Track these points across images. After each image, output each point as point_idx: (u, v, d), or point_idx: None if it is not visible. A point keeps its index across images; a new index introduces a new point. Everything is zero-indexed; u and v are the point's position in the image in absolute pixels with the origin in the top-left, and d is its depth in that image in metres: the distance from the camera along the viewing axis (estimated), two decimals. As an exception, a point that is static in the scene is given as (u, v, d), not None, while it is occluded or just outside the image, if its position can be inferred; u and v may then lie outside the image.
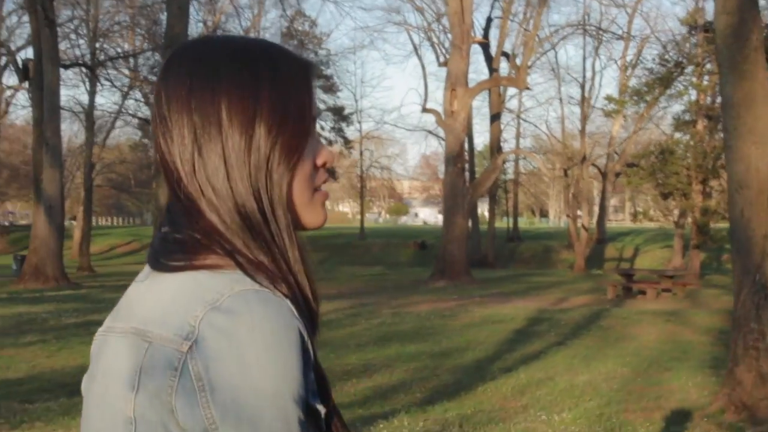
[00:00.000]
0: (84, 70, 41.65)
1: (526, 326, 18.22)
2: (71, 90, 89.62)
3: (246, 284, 1.29)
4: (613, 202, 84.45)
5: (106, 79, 41.67)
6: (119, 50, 44.40)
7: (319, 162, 1.46)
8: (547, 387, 11.24)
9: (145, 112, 43.82)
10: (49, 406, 9.89)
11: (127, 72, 43.34)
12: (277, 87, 1.40)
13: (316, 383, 1.34)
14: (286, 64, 1.43)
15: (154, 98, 1.42)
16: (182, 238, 1.36)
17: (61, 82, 31.65)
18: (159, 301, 1.32)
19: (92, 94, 42.51)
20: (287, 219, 1.40)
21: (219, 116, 1.36)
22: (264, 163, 1.38)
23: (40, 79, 29.63)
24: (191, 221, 1.38)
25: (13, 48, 45.91)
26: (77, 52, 42.77)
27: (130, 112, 46.79)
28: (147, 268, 1.40)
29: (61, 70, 32.78)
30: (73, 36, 42.81)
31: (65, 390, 10.68)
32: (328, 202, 1.52)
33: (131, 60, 43.81)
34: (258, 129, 1.37)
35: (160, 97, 1.41)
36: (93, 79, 41.30)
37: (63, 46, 42.70)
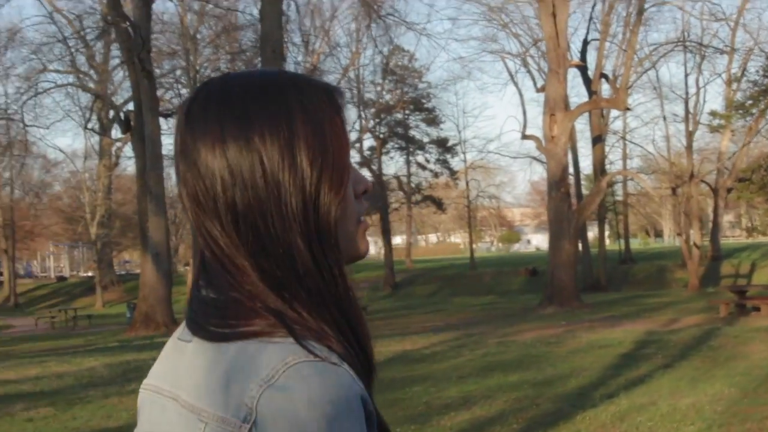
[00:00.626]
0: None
1: (634, 350, 17.82)
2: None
3: (300, 355, 1.20)
4: (729, 218, 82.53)
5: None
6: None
7: (360, 190, 1.40)
8: (649, 412, 10.93)
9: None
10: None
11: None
12: (310, 116, 1.32)
13: None
14: (313, 92, 1.35)
15: (180, 148, 1.33)
16: (223, 301, 1.29)
17: (165, 131, 32.38)
18: (210, 376, 1.25)
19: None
20: (340, 263, 1.32)
21: (268, 152, 1.28)
22: (311, 203, 1.29)
23: (141, 130, 30.37)
24: (231, 280, 1.29)
25: (118, 102, 47.22)
26: (178, 102, 43.77)
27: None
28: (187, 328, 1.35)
29: (164, 119, 33.53)
30: (175, 86, 43.88)
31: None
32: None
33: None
34: (300, 165, 1.29)
35: (186, 146, 1.31)
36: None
37: (168, 95, 43.86)
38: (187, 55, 43.02)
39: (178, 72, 44.17)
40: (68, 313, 38.26)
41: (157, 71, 41.57)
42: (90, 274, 65.95)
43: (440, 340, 21.80)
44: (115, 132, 51.71)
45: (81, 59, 46.41)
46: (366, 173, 58.64)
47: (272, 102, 1.31)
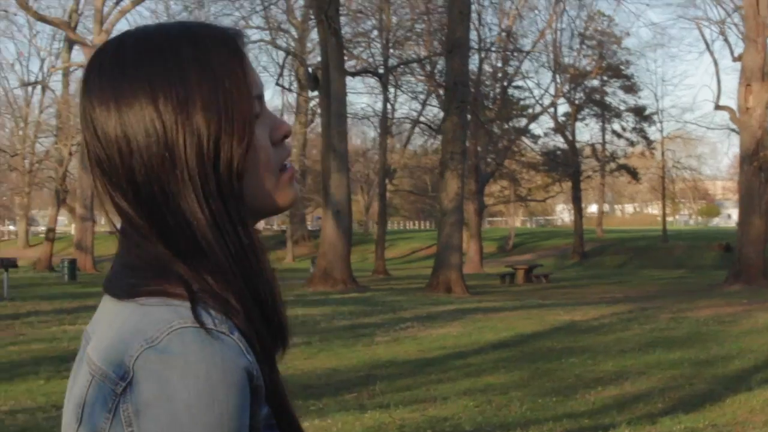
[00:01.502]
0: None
1: (813, 333, 16.91)
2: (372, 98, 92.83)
3: (187, 320, 1.18)
4: None
5: (395, 86, 42.78)
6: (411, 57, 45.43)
7: (278, 137, 1.35)
8: (806, 401, 10.31)
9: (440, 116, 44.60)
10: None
11: (412, 79, 44.31)
12: (206, 68, 1.26)
13: (275, 416, 1.29)
14: (210, 41, 1.29)
15: (81, 115, 1.30)
16: (133, 262, 1.28)
17: (350, 90, 32.77)
18: (107, 331, 1.25)
19: (385, 101, 43.78)
20: (244, 223, 1.29)
21: (152, 124, 1.24)
22: (209, 161, 1.25)
23: (328, 87, 30.77)
24: (143, 242, 1.27)
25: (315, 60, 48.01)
26: (372, 60, 44.31)
27: (427, 118, 47.78)
28: None
29: (351, 78, 33.90)
30: (369, 46, 44.33)
31: (306, 392, 10.91)
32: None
33: (427, 66, 44.69)
34: (196, 121, 1.24)
35: (86, 112, 1.28)
36: (384, 87, 42.54)
37: (365, 55, 44.37)
38: (380, 14, 43.30)
39: (374, 32, 44.54)
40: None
41: (349, 30, 42.18)
42: (283, 228, 67.68)
43: (612, 312, 21.31)
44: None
45: (281, 18, 47.35)
46: (559, 139, 57.82)
47: (165, 58, 1.26)
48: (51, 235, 49.69)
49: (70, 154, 47.93)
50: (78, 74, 46.14)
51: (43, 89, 56.46)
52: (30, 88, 58.39)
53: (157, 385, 1.14)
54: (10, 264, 25.57)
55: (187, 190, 1.24)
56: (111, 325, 1.25)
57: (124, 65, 1.26)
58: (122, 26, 50.53)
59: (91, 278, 37.89)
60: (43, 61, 61.27)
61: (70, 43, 48.95)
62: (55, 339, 15.93)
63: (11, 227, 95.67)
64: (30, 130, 56.63)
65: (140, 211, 1.26)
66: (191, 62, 1.26)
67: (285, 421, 1.31)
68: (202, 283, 1.23)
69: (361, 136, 68.69)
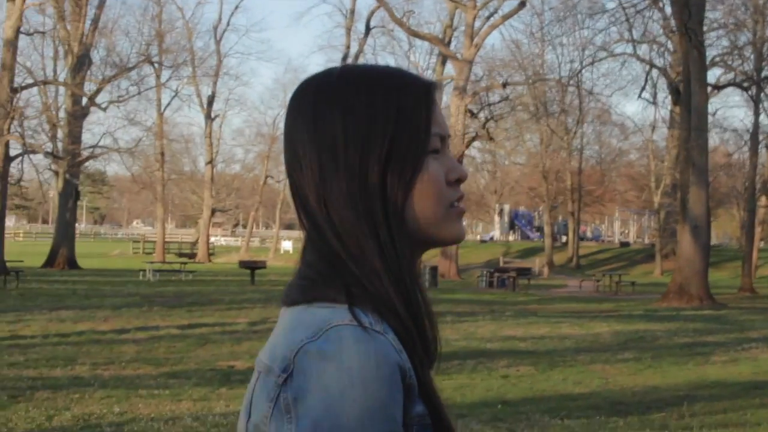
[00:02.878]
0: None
1: None
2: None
3: (344, 318, 1.32)
4: None
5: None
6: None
7: (452, 178, 1.47)
8: None
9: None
10: (584, 423, 9.99)
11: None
12: (392, 109, 1.43)
13: (430, 417, 1.37)
14: (403, 86, 1.46)
15: (285, 131, 1.50)
16: (308, 273, 1.43)
17: (713, 102, 31.67)
18: (276, 334, 1.41)
19: (756, 114, 41.68)
20: (401, 244, 1.42)
21: (336, 143, 1.41)
22: (379, 186, 1.41)
23: (688, 100, 29.98)
24: (317, 254, 1.44)
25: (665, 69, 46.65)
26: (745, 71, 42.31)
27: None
28: None
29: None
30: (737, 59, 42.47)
31: (613, 409, 10.73)
32: None
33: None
34: (373, 152, 1.41)
35: (288, 129, 1.48)
36: (756, 100, 40.57)
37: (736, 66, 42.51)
38: (754, 27, 41.30)
39: (741, 44, 42.55)
40: (612, 278, 38.83)
41: (711, 42, 40.57)
42: (652, 241, 66.13)
43: None
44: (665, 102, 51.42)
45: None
46: None
47: (359, 94, 1.44)
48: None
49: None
50: (449, 87, 47.63)
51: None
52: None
53: (315, 376, 1.27)
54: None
55: (356, 198, 1.40)
56: (280, 328, 1.40)
57: (326, 93, 1.45)
58: (492, 40, 51.67)
59: (452, 285, 39.04)
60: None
61: (444, 58, 50.61)
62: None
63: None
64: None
65: (319, 213, 1.43)
66: (381, 99, 1.43)
67: (440, 425, 1.38)
68: (362, 289, 1.36)
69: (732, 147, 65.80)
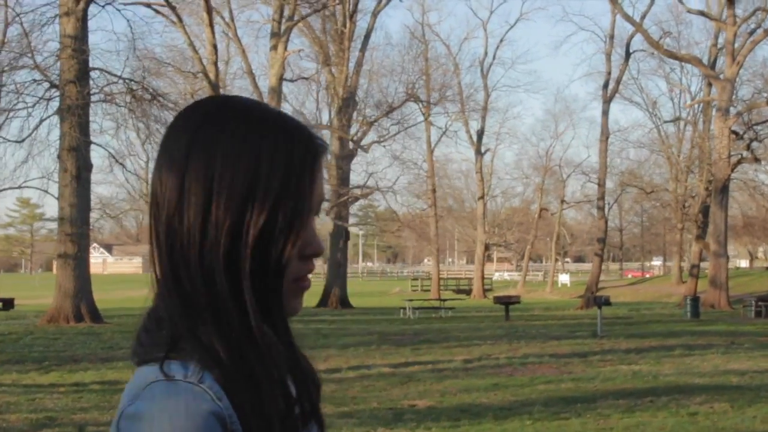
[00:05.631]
0: None
1: None
2: None
3: (160, 375, 1.31)
4: None
5: None
6: None
7: (308, 252, 1.44)
8: None
9: None
10: None
11: None
12: (278, 166, 1.38)
13: None
14: (292, 142, 1.40)
15: (157, 156, 1.44)
16: (142, 328, 1.42)
17: None
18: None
19: None
20: (249, 294, 1.37)
21: (210, 186, 1.36)
22: (251, 241, 1.36)
23: None
24: (158, 299, 1.41)
25: None
26: None
27: None
28: None
29: None
30: None
31: None
32: None
33: None
34: (249, 207, 1.36)
35: (160, 155, 1.42)
36: None
37: None
38: None
39: None
40: None
41: None
42: None
43: None
44: None
45: None
46: None
47: (245, 140, 1.38)
48: (695, 272, 49.50)
49: (707, 189, 47.54)
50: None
51: (684, 125, 56.89)
52: (681, 125, 59.26)
53: None
54: (604, 302, 26.17)
55: (217, 247, 1.36)
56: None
57: (204, 131, 1.39)
58: (756, 59, 49.32)
59: (719, 315, 37.07)
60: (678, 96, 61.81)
61: (708, 78, 48.75)
62: (599, 379, 16.05)
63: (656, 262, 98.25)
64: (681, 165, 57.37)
65: (173, 256, 1.38)
66: (266, 155, 1.38)
67: None
68: (196, 342, 1.34)
69: None
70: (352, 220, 57.14)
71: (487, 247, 68.04)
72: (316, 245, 1.43)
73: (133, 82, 31.30)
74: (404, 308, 38.31)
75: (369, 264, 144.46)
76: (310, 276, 1.46)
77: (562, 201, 69.74)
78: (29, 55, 31.46)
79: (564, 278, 76.85)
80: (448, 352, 21.04)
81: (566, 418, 12.23)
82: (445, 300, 42.56)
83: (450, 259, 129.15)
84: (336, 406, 13.34)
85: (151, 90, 31.71)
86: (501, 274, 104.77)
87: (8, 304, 29.89)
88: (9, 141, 33.12)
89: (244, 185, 1.34)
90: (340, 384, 15.79)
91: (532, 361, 18.98)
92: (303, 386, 1.43)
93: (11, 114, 31.90)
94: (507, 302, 36.19)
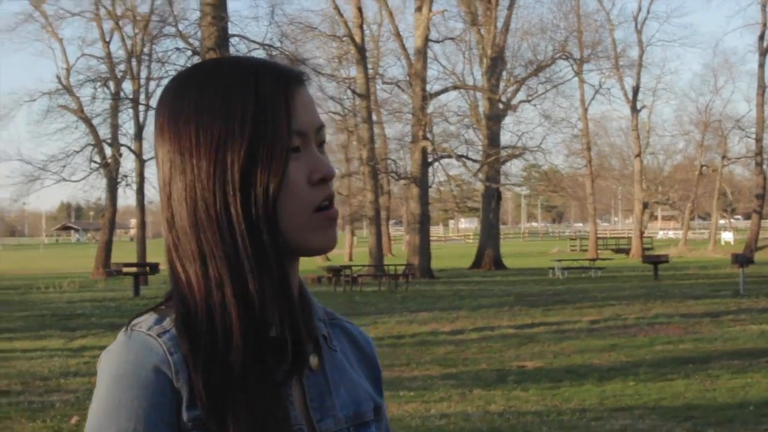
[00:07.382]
0: None
1: None
2: None
3: (128, 325, 1.37)
4: None
5: None
6: None
7: (314, 178, 1.38)
8: None
9: None
10: None
11: None
12: (249, 105, 1.35)
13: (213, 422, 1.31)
14: (262, 79, 1.37)
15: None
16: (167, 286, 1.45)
17: None
18: None
19: None
20: (253, 248, 1.34)
21: (189, 142, 1.35)
22: (235, 187, 1.33)
23: None
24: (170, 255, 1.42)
25: None
26: None
27: None
28: None
29: None
30: None
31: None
32: None
33: None
34: (227, 153, 1.34)
35: (155, 127, 1.43)
36: None
37: None
38: None
39: None
40: None
41: None
42: None
43: None
44: None
45: None
46: None
47: (214, 90, 1.37)
48: None
49: None
50: None
51: None
52: None
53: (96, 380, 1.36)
54: (747, 260, 25.38)
55: (205, 198, 1.35)
56: None
57: (182, 91, 1.40)
58: None
59: None
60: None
61: None
62: (722, 339, 15.69)
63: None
64: None
65: (167, 212, 1.40)
66: (236, 99, 1.36)
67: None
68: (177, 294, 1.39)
69: None
70: (514, 180, 56.48)
71: (646, 206, 66.39)
72: (325, 169, 1.37)
73: (272, 48, 31.82)
74: (552, 269, 37.97)
75: (534, 224, 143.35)
76: (331, 206, 1.39)
77: (723, 157, 67.48)
78: (172, 23, 32.54)
79: (728, 236, 74.53)
80: (578, 312, 20.88)
81: (672, 378, 12.04)
82: (595, 260, 41.93)
83: (616, 218, 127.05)
84: (444, 367, 13.44)
85: (289, 55, 32.16)
86: (665, 232, 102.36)
87: (154, 268, 31.27)
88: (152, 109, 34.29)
89: (219, 133, 1.32)
90: (458, 345, 15.88)
91: (660, 321, 18.64)
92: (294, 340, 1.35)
93: (158, 84, 32.87)
94: (656, 261, 35.44)
